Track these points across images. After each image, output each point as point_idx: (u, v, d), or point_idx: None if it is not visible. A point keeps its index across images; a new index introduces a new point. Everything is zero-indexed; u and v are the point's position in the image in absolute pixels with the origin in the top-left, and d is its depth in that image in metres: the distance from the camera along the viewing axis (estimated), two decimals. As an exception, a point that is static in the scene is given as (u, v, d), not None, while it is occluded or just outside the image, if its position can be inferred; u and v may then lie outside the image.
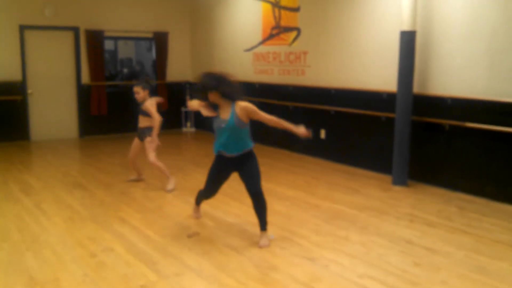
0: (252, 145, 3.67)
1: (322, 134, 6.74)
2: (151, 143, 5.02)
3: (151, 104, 5.01)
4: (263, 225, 3.62)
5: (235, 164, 3.65)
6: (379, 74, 5.83)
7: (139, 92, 5.02)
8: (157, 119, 4.95)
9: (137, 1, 8.80)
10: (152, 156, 5.01)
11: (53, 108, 8.25)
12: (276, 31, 7.40)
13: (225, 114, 3.56)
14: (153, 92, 5.25)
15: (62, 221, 4.12)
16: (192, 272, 3.13)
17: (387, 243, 3.65)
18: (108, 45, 10.06)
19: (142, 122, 5.12)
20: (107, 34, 8.52)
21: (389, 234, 3.84)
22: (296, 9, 7.01)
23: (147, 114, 5.03)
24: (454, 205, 4.63)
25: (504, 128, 4.57)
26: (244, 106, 3.53)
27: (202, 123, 9.32)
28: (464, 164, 5.00)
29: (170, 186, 5.05)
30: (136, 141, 5.21)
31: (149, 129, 5.05)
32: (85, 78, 8.45)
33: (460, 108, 4.96)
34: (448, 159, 5.15)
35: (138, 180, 5.48)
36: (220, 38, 8.74)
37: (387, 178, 5.58)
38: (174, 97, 9.24)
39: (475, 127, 4.82)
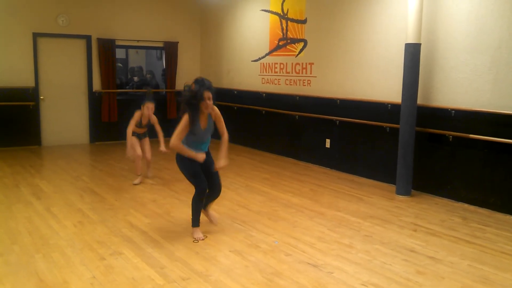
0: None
1: (327, 143, 6.80)
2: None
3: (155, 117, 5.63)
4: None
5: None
6: (383, 85, 5.90)
7: (153, 108, 5.54)
8: (161, 131, 5.68)
9: (148, 11, 8.98)
10: (150, 154, 5.73)
11: (65, 114, 8.40)
12: (283, 42, 7.51)
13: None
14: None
15: (71, 224, 4.20)
16: (199, 276, 3.18)
17: (390, 251, 3.69)
18: (119, 53, 10.25)
19: (142, 130, 5.79)
20: (118, 43, 8.68)
21: (393, 242, 3.88)
22: (303, 21, 7.13)
23: (149, 126, 5.70)
24: (458, 215, 4.66)
25: (507, 140, 4.61)
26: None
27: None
28: (467, 175, 5.04)
29: (137, 180, 5.70)
30: (138, 143, 5.78)
31: (145, 134, 5.82)
32: (97, 85, 8.60)
33: (463, 120, 5.00)
34: (452, 170, 5.18)
35: (140, 182, 5.80)
36: (228, 49, 8.88)
37: (391, 187, 5.62)
38: (182, 105, 9.38)
39: (478, 139, 4.86)
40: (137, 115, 5.54)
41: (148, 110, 5.48)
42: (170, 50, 9.20)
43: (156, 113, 5.73)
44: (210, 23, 9.35)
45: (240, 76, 8.57)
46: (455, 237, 4.05)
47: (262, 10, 7.90)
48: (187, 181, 3.93)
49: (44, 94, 8.18)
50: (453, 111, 5.08)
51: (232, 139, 8.66)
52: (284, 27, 7.47)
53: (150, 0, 8.95)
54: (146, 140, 5.82)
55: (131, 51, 11.11)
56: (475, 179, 4.97)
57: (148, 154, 5.76)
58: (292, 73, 7.38)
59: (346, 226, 4.28)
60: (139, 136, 5.78)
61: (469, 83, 4.97)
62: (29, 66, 7.95)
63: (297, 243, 3.83)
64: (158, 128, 5.68)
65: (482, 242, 3.93)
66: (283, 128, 7.61)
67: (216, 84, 9.22)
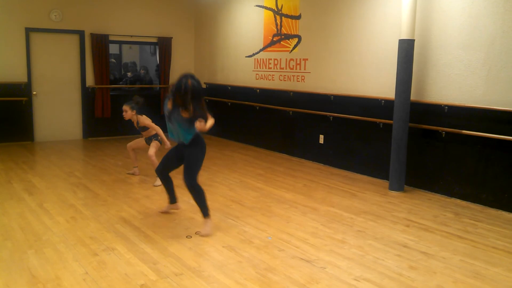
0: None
1: (321, 139, 6.81)
2: (160, 147, 5.49)
3: (145, 118, 5.43)
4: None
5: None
6: (377, 81, 5.91)
7: (127, 111, 5.42)
8: (158, 128, 5.39)
9: (142, 6, 8.92)
10: (153, 151, 5.41)
11: (58, 110, 8.35)
12: (277, 38, 7.50)
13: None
14: (141, 111, 5.56)
15: (64, 220, 4.18)
16: (192, 272, 3.18)
17: (383, 247, 3.71)
18: (113, 49, 10.19)
19: (146, 134, 5.59)
20: (112, 38, 8.63)
21: (386, 238, 3.90)
22: (297, 17, 7.11)
23: (146, 128, 5.49)
24: (450, 211, 4.69)
25: (500, 136, 4.64)
26: None
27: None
28: (460, 170, 5.07)
29: (158, 182, 5.39)
30: (142, 140, 5.70)
31: (155, 136, 5.52)
32: (90, 81, 8.55)
33: (456, 116, 5.03)
34: (445, 166, 5.21)
35: (134, 173, 5.88)
36: (222, 44, 8.85)
37: (384, 183, 5.65)
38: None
39: (471, 135, 4.89)
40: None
41: (124, 113, 5.41)
42: (164, 45, 9.16)
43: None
44: (204, 18, 9.31)
45: (234, 72, 8.55)
46: (447, 232, 4.08)
47: (256, 5, 7.88)
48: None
49: (37, 90, 8.12)
50: (446, 107, 5.11)
51: (226, 135, 8.74)
52: (278, 23, 7.46)
53: (143, -5, 8.92)
54: (152, 143, 5.53)
55: (124, 46, 11.06)
56: (468, 174, 5.00)
57: (151, 151, 5.40)
58: (286, 69, 7.38)
59: (339, 222, 4.30)
60: (146, 140, 5.65)
61: (462, 79, 4.99)
62: (21, 61, 7.88)
63: (290, 239, 3.84)
64: (152, 127, 5.39)
65: (474, 238, 3.97)
66: (277, 124, 7.61)
67: (210, 79, 9.26)
